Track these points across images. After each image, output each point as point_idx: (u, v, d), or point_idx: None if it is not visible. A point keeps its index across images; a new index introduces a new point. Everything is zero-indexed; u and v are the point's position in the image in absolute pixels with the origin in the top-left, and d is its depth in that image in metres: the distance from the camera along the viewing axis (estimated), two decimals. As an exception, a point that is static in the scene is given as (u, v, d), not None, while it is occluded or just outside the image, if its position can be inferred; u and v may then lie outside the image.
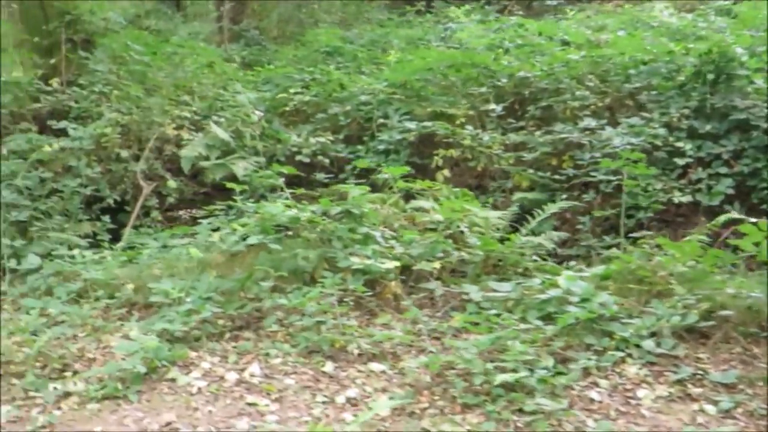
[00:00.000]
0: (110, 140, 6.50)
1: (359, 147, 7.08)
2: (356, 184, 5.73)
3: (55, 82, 7.49)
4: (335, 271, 4.63)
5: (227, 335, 4.31)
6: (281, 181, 5.86)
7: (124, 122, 6.62)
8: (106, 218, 6.13)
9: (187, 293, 4.36)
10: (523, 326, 3.97)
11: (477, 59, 7.27)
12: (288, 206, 5.26)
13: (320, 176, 6.77)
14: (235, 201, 5.85)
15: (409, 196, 5.82)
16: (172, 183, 6.55)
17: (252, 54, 10.47)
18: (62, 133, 6.84)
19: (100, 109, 6.89)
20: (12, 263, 5.22)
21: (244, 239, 4.68)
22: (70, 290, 4.79)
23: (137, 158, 6.69)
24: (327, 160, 6.99)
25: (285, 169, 5.97)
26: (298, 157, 6.86)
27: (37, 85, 7.24)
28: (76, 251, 5.46)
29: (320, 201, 5.16)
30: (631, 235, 5.57)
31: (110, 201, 6.30)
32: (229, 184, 5.73)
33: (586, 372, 3.70)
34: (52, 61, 7.69)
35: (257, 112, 6.87)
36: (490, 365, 3.57)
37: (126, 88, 6.97)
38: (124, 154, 6.43)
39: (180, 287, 4.39)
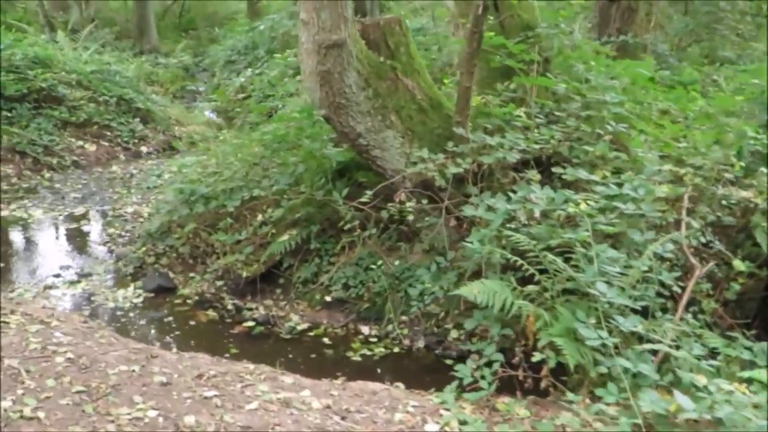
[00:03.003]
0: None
1: None
2: None
3: (520, 112, 5.99)
4: None
5: None
6: None
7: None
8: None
9: None
10: None
11: None
12: None
13: None
14: None
15: None
16: (739, 263, 4.75)
17: (670, 76, 8.47)
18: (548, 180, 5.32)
19: (619, 154, 5.25)
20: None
21: None
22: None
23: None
24: None
25: None
26: None
27: (519, 118, 5.74)
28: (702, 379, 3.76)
29: None
30: None
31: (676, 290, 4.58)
32: None
33: None
34: (512, 85, 6.17)
35: None
36: None
37: (653, 128, 5.28)
38: (692, 223, 4.71)
39: None
